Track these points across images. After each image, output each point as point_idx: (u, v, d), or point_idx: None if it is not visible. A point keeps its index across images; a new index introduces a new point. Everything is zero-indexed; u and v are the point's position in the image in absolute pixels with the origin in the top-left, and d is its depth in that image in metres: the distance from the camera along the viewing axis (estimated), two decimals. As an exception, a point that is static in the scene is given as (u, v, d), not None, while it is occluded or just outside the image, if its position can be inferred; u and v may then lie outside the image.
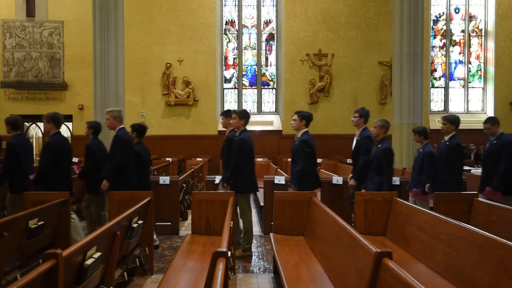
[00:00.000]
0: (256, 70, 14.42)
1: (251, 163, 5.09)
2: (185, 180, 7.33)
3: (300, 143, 4.97)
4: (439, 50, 14.73)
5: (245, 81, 14.45)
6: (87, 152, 5.57)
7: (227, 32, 14.42)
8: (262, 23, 14.40)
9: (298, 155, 4.94)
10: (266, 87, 14.44)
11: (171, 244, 5.59)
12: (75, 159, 10.88)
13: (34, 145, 14.02)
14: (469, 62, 14.73)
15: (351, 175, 5.45)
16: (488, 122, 5.30)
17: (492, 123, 5.27)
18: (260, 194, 6.64)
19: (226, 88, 14.44)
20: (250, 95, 14.46)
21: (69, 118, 13.61)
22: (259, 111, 14.27)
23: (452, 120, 5.17)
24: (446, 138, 5.18)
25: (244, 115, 5.06)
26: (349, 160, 11.41)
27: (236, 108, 14.21)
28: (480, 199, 4.50)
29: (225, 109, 14.30)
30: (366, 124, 5.40)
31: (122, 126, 5.17)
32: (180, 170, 11.68)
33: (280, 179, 6.16)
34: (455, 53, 14.78)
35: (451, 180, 5.01)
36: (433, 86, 14.68)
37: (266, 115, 14.23)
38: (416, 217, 3.73)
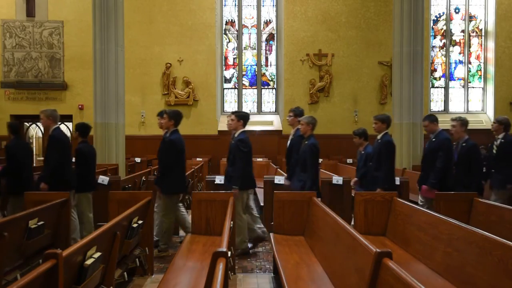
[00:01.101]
0: (256, 70, 14.42)
1: (180, 164, 5.15)
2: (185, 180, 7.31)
3: (236, 142, 5.02)
4: (439, 50, 14.73)
5: (245, 81, 14.45)
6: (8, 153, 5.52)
7: (227, 32, 14.42)
8: (262, 23, 14.40)
9: (235, 155, 4.99)
10: (266, 87, 14.43)
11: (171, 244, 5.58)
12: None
13: (34, 144, 14.03)
14: (469, 62, 14.73)
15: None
16: (426, 119, 5.35)
17: (431, 120, 5.30)
18: (260, 194, 6.64)
19: (226, 88, 14.44)
20: (250, 95, 14.46)
21: (69, 118, 13.61)
22: (259, 111, 14.27)
23: (382, 119, 5.23)
24: (379, 136, 5.22)
25: (173, 116, 5.20)
26: (349, 160, 11.43)
27: (236, 109, 14.24)
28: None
29: (225, 109, 14.34)
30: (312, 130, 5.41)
31: (56, 126, 5.17)
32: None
33: (280, 179, 6.15)
34: (455, 53, 14.77)
35: (382, 177, 5.03)
36: (433, 86, 14.68)
37: (266, 115, 14.23)
38: (416, 217, 3.73)
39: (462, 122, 5.13)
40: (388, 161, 5.12)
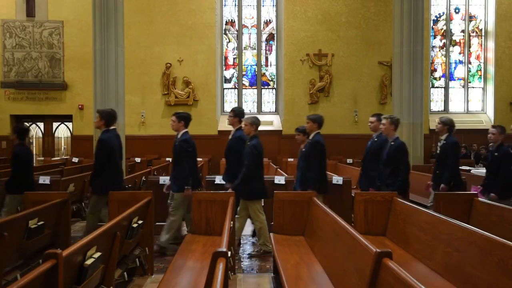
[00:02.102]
0: (256, 70, 14.42)
1: (113, 163, 5.09)
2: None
3: (180, 143, 5.02)
4: (439, 50, 14.73)
5: (245, 81, 14.45)
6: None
7: (227, 32, 14.42)
8: (262, 23, 14.40)
9: (180, 155, 4.99)
10: (266, 87, 14.43)
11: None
12: (75, 159, 10.90)
13: (34, 144, 14.03)
14: (469, 62, 14.73)
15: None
16: (375, 116, 5.38)
17: (378, 119, 5.33)
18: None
19: (226, 88, 14.44)
20: (250, 95, 14.46)
21: (69, 118, 13.62)
22: (259, 111, 14.27)
23: (314, 119, 5.21)
24: (311, 136, 5.22)
25: (105, 116, 5.08)
26: (350, 160, 11.43)
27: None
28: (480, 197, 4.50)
29: (225, 109, 14.34)
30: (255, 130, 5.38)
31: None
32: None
33: (280, 179, 6.16)
34: (455, 53, 14.78)
35: (312, 178, 5.02)
36: (433, 86, 14.68)
37: (266, 115, 14.21)
38: (416, 217, 3.73)
39: (392, 120, 5.10)
40: (318, 161, 5.09)
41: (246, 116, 5.28)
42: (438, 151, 5.61)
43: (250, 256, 5.11)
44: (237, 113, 5.44)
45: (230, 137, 5.45)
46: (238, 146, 5.21)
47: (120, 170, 5.30)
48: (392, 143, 5.06)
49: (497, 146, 5.15)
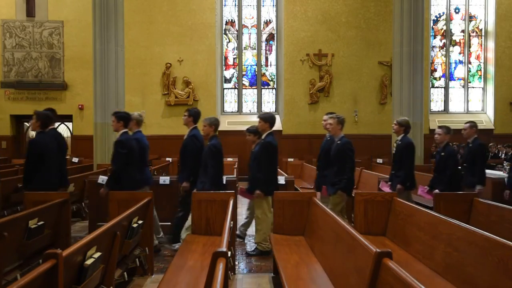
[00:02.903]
0: (256, 70, 14.42)
1: (47, 164, 5.02)
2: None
3: (114, 144, 5.01)
4: (439, 50, 14.73)
5: (245, 81, 14.45)
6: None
7: (227, 32, 14.42)
8: (262, 23, 14.40)
9: (115, 156, 4.97)
10: (266, 87, 14.43)
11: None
12: (75, 159, 10.90)
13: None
14: (469, 62, 14.73)
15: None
16: (336, 118, 5.34)
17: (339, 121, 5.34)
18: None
19: (226, 88, 14.44)
20: (250, 95, 14.46)
21: (69, 118, 13.61)
22: (259, 111, 14.25)
23: (265, 119, 5.18)
24: (263, 137, 5.21)
25: (41, 117, 5.17)
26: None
27: (236, 109, 14.25)
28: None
29: (225, 109, 14.34)
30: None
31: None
32: (180, 170, 11.65)
33: (280, 179, 6.15)
34: (455, 53, 14.78)
35: (261, 179, 5.01)
36: (433, 86, 14.68)
37: (266, 115, 14.20)
38: (416, 217, 3.73)
39: (338, 120, 5.15)
40: (268, 163, 5.07)
41: (206, 117, 5.23)
42: (394, 152, 5.69)
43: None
44: (192, 114, 5.42)
45: (185, 136, 5.39)
46: (192, 145, 5.22)
47: (58, 170, 5.17)
48: (339, 141, 5.10)
49: (443, 146, 5.31)
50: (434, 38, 14.69)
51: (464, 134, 5.67)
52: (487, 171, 7.71)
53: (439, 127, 5.43)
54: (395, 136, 5.90)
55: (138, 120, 5.41)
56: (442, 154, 5.28)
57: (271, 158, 5.13)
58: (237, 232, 5.59)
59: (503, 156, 11.68)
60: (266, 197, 5.08)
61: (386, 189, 5.57)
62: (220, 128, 14.53)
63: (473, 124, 5.62)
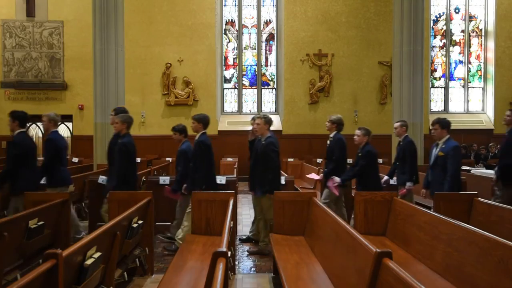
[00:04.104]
0: (256, 70, 14.42)
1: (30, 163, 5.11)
2: (185, 180, 7.30)
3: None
4: (439, 50, 14.73)
5: (245, 81, 14.45)
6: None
7: (227, 32, 14.42)
8: (262, 23, 14.40)
9: (7, 157, 5.05)
10: (266, 87, 14.43)
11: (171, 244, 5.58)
12: (75, 159, 10.90)
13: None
14: (469, 62, 14.73)
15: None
16: (258, 118, 5.35)
17: (265, 121, 5.36)
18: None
19: (226, 88, 14.44)
20: (250, 95, 14.46)
21: (69, 118, 13.61)
22: (259, 111, 14.26)
23: (198, 119, 5.23)
24: (196, 137, 5.25)
25: (17, 117, 5.16)
26: (350, 160, 11.38)
27: (236, 109, 14.25)
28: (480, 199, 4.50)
29: (225, 109, 14.34)
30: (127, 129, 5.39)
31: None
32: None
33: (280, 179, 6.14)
34: (455, 53, 14.78)
35: (199, 179, 5.02)
36: (433, 86, 14.68)
37: (266, 115, 14.21)
38: (416, 217, 3.73)
39: (265, 120, 5.15)
40: (203, 162, 5.06)
41: (121, 114, 5.24)
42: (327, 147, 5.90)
43: (249, 253, 5.15)
44: (118, 112, 5.52)
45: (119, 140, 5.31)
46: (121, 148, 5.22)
47: (37, 170, 5.26)
48: (264, 142, 5.10)
49: (362, 147, 5.46)
50: (434, 38, 14.69)
51: (395, 133, 5.85)
52: (487, 171, 7.72)
53: (359, 128, 5.57)
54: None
55: (54, 120, 5.44)
56: (360, 154, 5.44)
57: (206, 157, 5.09)
58: (250, 235, 5.62)
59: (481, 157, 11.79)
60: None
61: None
62: (220, 128, 14.64)
63: (403, 123, 5.79)
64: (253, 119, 5.44)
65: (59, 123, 5.51)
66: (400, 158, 5.70)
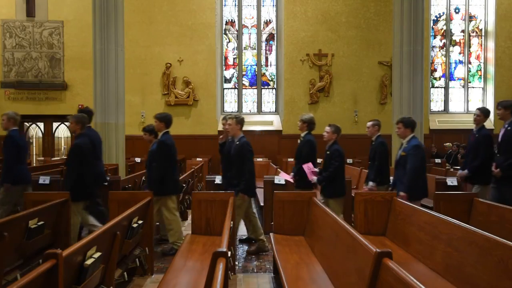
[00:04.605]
0: (256, 70, 14.42)
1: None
2: (185, 180, 7.32)
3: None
4: (439, 50, 14.73)
5: (245, 81, 14.45)
6: None
7: (227, 32, 14.42)
8: (262, 23, 14.40)
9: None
10: (266, 87, 14.43)
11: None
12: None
13: (34, 144, 14.03)
14: (469, 62, 14.73)
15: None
16: (230, 119, 5.36)
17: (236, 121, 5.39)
18: (260, 194, 6.64)
19: (226, 88, 14.44)
20: (250, 95, 14.46)
21: (69, 118, 13.60)
22: (259, 111, 14.27)
23: (160, 118, 5.18)
24: (159, 136, 5.22)
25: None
26: (350, 160, 11.42)
27: (236, 109, 14.24)
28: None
29: (225, 109, 14.33)
30: (87, 126, 5.48)
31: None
32: (180, 170, 11.66)
33: (280, 179, 6.15)
34: (455, 53, 14.77)
35: (156, 179, 5.00)
36: (433, 86, 14.68)
37: (266, 115, 14.23)
38: (416, 217, 3.73)
39: (237, 120, 5.13)
40: (161, 162, 5.02)
41: (75, 114, 5.22)
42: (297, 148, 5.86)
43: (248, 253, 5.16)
44: (85, 112, 5.55)
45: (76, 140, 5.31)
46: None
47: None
48: (237, 142, 5.08)
49: (330, 145, 5.42)
50: (434, 38, 14.69)
51: (368, 132, 5.83)
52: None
53: (329, 125, 5.50)
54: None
55: (14, 119, 5.49)
56: (328, 152, 5.41)
57: (165, 157, 5.05)
58: (249, 235, 5.58)
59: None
60: (170, 197, 5.06)
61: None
62: (220, 128, 14.60)
63: (375, 123, 5.78)
64: (225, 119, 5.42)
65: (19, 121, 5.67)
66: (372, 158, 5.70)
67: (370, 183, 5.48)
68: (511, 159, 4.95)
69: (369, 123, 5.83)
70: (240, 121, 5.14)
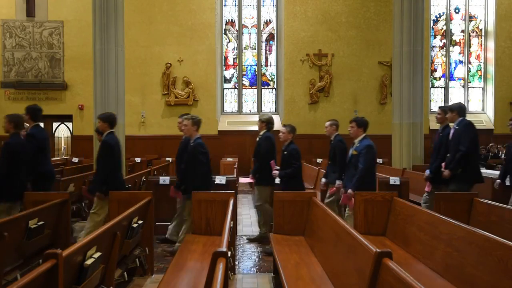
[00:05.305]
0: (256, 70, 14.42)
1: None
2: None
3: None
4: (439, 50, 14.73)
5: (245, 81, 14.45)
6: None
7: (227, 32, 14.42)
8: (262, 23, 14.40)
9: None
10: (266, 87, 14.44)
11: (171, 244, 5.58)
12: (75, 159, 10.90)
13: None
14: (469, 62, 14.73)
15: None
16: (182, 116, 5.40)
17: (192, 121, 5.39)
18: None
19: (226, 88, 14.44)
20: (250, 95, 14.46)
21: (69, 118, 13.62)
22: (259, 111, 14.26)
23: (103, 118, 5.08)
24: (103, 136, 5.16)
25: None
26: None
27: (236, 109, 14.25)
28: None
29: (225, 109, 14.34)
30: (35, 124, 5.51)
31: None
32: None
33: (280, 179, 6.14)
34: (455, 53, 14.78)
35: (97, 180, 4.96)
36: (433, 86, 14.68)
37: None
38: (416, 217, 3.73)
39: (193, 121, 5.13)
40: (105, 162, 4.91)
41: (10, 114, 5.13)
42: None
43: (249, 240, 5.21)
44: (28, 111, 5.50)
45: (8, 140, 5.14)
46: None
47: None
48: (192, 143, 5.08)
49: (286, 145, 5.50)
50: (434, 38, 14.69)
51: (326, 131, 5.89)
52: (487, 171, 7.72)
53: (284, 125, 5.61)
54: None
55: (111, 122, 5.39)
56: (285, 152, 5.44)
57: (108, 157, 4.94)
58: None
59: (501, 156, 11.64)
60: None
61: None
62: (220, 128, 14.61)
63: (333, 123, 5.83)
64: (181, 118, 5.40)
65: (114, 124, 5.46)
66: (331, 157, 5.72)
67: (337, 182, 5.41)
68: (460, 154, 4.99)
69: (327, 123, 5.88)
70: (196, 122, 5.12)
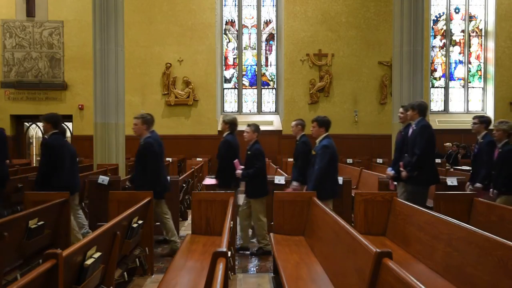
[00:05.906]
0: (256, 70, 14.42)
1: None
2: (185, 180, 7.33)
3: None
4: (439, 50, 14.73)
5: (245, 81, 14.45)
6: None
7: (227, 32, 14.42)
8: (262, 23, 14.40)
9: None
10: (266, 87, 14.43)
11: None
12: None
13: (34, 144, 14.03)
14: (469, 62, 14.73)
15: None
16: (250, 127, 5.43)
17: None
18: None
19: (226, 88, 14.44)
20: (250, 95, 14.46)
21: (69, 118, 13.61)
22: (259, 111, 14.27)
23: (46, 119, 5.10)
24: (46, 135, 5.19)
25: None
26: (350, 160, 11.43)
27: (236, 109, 14.25)
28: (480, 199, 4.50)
29: (225, 109, 14.34)
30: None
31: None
32: (180, 170, 11.68)
33: (280, 179, 6.15)
34: (455, 53, 14.78)
35: (38, 180, 4.95)
36: (433, 86, 14.68)
37: (266, 115, 14.23)
38: (416, 217, 3.73)
39: (143, 119, 5.18)
40: (47, 164, 4.93)
41: None
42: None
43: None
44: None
45: None
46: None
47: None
48: (142, 142, 5.08)
49: (251, 145, 5.40)
50: (434, 38, 14.69)
51: (292, 132, 5.80)
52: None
53: (248, 125, 5.47)
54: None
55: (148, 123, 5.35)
56: (249, 152, 5.39)
57: (49, 157, 4.93)
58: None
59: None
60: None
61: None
62: (220, 128, 14.57)
63: (299, 123, 5.75)
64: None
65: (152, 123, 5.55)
66: (296, 158, 5.65)
67: (294, 183, 5.31)
68: (415, 158, 4.94)
69: (293, 123, 5.78)
70: (146, 121, 5.12)
